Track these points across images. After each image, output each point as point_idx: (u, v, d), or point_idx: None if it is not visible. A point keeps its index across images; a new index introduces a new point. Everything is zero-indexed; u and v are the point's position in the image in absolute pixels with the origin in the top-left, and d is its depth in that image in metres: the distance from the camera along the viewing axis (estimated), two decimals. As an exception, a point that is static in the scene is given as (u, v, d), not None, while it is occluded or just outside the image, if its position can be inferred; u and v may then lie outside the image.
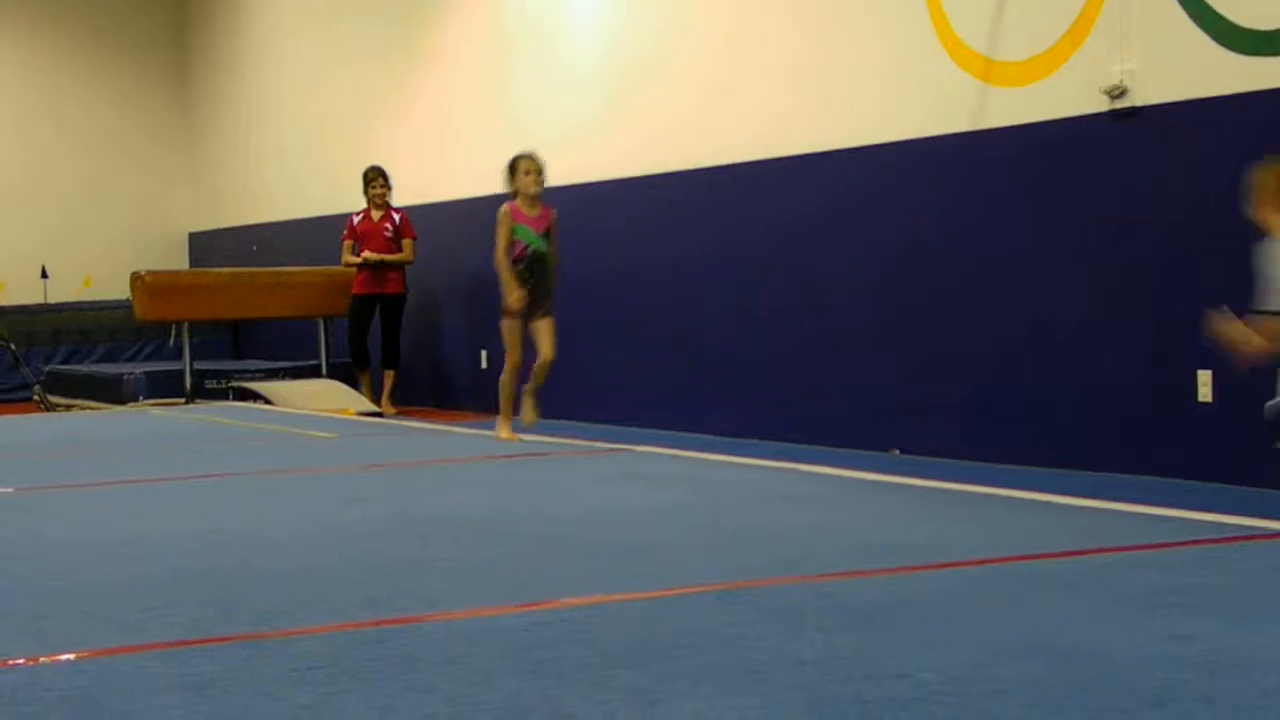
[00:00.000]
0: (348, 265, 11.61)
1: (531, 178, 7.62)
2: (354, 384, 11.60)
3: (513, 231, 7.57)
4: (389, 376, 11.55)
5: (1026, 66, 7.23)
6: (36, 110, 15.71)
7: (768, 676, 2.70)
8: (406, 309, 11.74)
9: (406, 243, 11.51)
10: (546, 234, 7.64)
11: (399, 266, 11.54)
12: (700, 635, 3.04)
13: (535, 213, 7.64)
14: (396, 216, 11.57)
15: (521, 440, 7.49)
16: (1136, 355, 6.81)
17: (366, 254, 11.47)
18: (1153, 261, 6.73)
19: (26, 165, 15.62)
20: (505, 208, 7.66)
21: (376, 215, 11.60)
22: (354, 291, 11.64)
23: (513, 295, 7.54)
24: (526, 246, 7.57)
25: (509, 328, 7.64)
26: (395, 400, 11.51)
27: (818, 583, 3.61)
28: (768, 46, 8.84)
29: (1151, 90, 6.69)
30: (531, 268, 7.60)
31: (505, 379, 7.77)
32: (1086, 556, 3.95)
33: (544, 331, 7.60)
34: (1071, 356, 7.08)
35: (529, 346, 7.68)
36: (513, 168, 7.74)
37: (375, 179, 11.60)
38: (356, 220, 11.71)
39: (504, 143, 11.27)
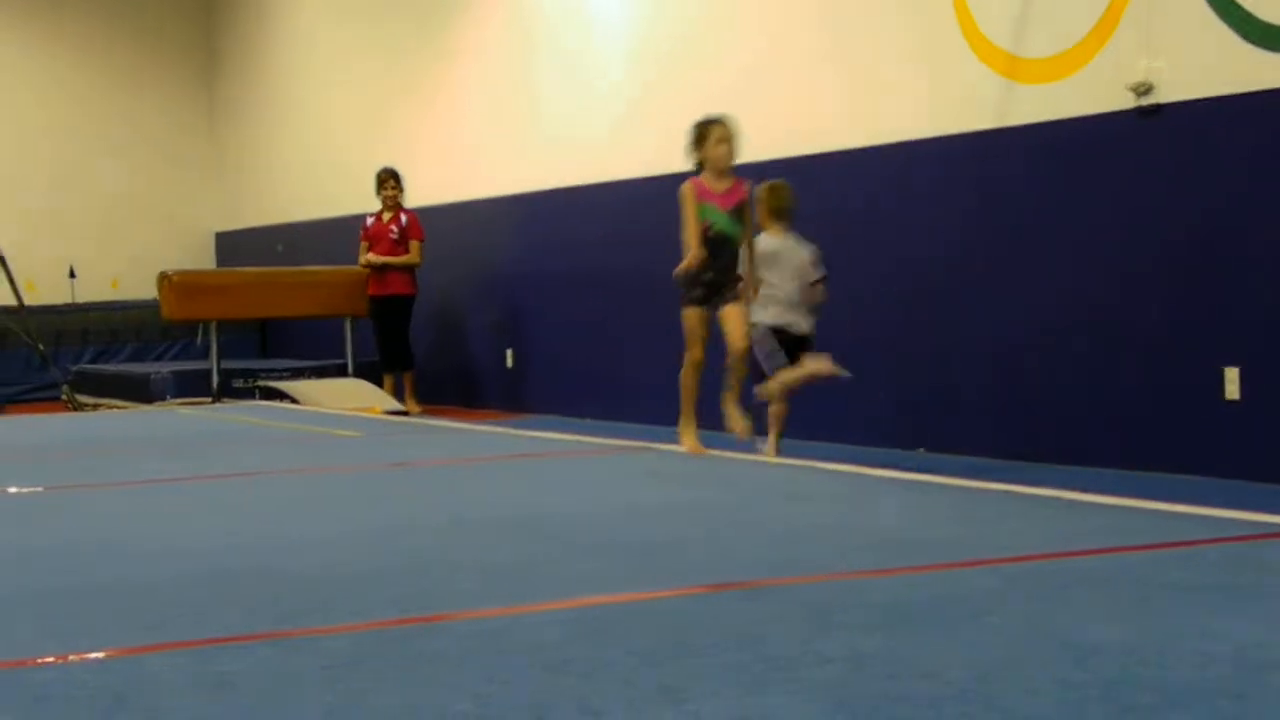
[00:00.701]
0: (361, 266, 11.73)
1: (724, 148, 6.63)
2: (380, 383, 11.64)
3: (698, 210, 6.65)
4: (406, 377, 11.59)
5: (1052, 63, 7.22)
6: (63, 112, 15.78)
7: (795, 674, 2.69)
8: (424, 309, 11.78)
9: (414, 244, 11.54)
10: (737, 212, 6.67)
11: (403, 268, 11.56)
12: (727, 633, 3.03)
13: (724, 188, 6.66)
14: (404, 218, 11.63)
15: (708, 454, 6.56)
16: (1163, 352, 6.78)
17: (370, 257, 11.57)
18: (1179, 258, 6.71)
19: (53, 166, 15.68)
20: (688, 185, 6.69)
21: (386, 217, 11.66)
22: (368, 293, 11.75)
23: (696, 258, 6.58)
24: (710, 226, 6.61)
25: (690, 317, 6.72)
26: (419, 399, 11.54)
27: (844, 581, 3.60)
28: (791, 44, 8.83)
29: (1177, 87, 6.68)
30: (715, 251, 6.64)
31: (686, 377, 6.82)
32: (1115, 554, 3.93)
33: (732, 318, 6.70)
34: (1098, 354, 7.06)
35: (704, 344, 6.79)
36: (701, 135, 6.72)
37: (386, 180, 11.66)
38: (369, 222, 11.78)
39: (525, 142, 11.29)
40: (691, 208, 6.60)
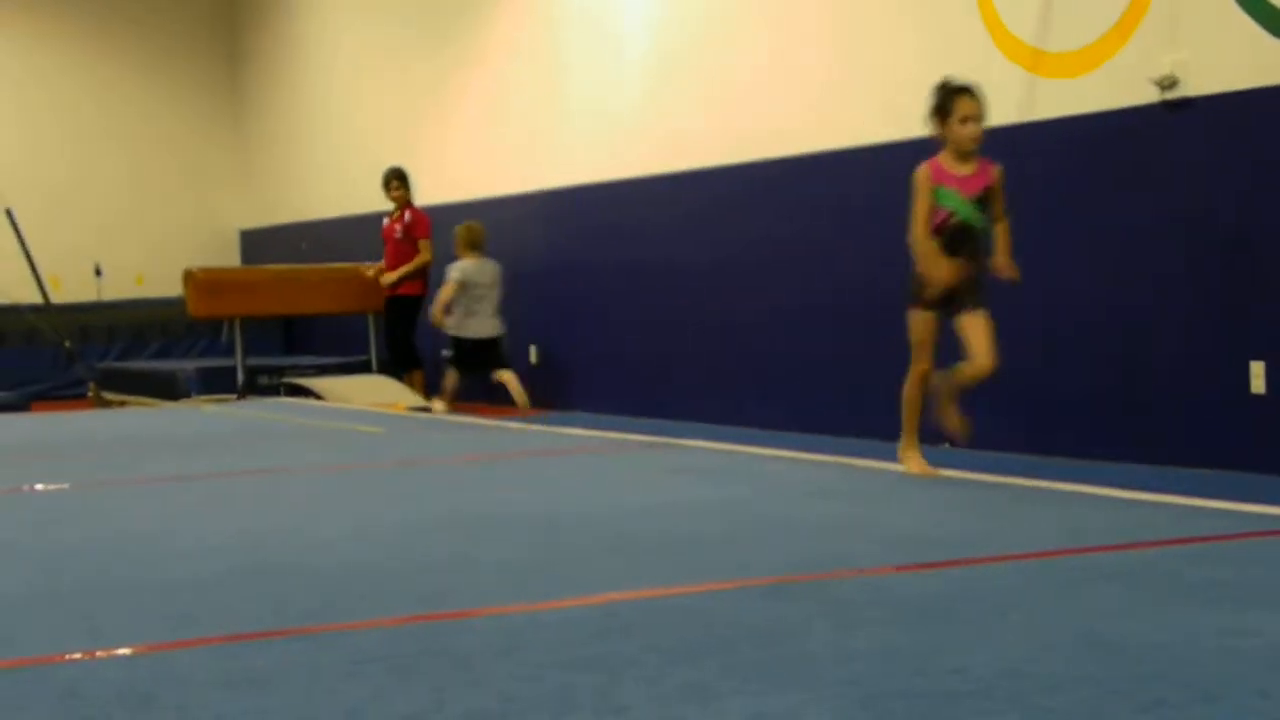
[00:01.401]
0: (370, 276, 11.74)
1: (970, 128, 5.66)
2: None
3: (934, 196, 5.68)
4: (414, 377, 11.54)
5: (1076, 57, 7.19)
6: (87, 109, 15.85)
7: (820, 671, 2.70)
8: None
9: (421, 243, 11.46)
10: (982, 199, 5.71)
11: (419, 270, 11.46)
12: (752, 630, 3.04)
13: (968, 171, 5.71)
14: (408, 215, 11.54)
15: (938, 475, 5.71)
16: (1189, 346, 6.76)
17: (383, 278, 11.50)
18: (1204, 252, 6.69)
19: (78, 163, 15.75)
20: (924, 168, 5.73)
21: (394, 217, 11.62)
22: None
23: (936, 270, 5.63)
24: (950, 215, 5.66)
25: (918, 321, 5.76)
26: (429, 396, 11.55)
27: (869, 577, 3.60)
28: (809, 39, 8.82)
29: (1203, 80, 6.65)
30: (954, 243, 5.67)
31: (910, 390, 5.86)
32: (1140, 550, 3.93)
33: (975, 330, 5.66)
34: (1123, 348, 7.05)
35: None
36: (943, 108, 5.75)
37: (389, 181, 11.59)
38: (385, 223, 11.75)
39: (551, 140, 11.30)
40: (925, 195, 5.66)
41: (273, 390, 11.91)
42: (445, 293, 10.26)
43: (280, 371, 12.25)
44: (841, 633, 2.99)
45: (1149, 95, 6.83)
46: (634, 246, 10.47)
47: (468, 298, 10.25)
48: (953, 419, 5.87)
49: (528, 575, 3.76)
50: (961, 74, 7.80)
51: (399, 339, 11.55)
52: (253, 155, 16.38)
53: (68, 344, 12.58)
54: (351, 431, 7.97)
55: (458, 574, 3.81)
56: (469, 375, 10.43)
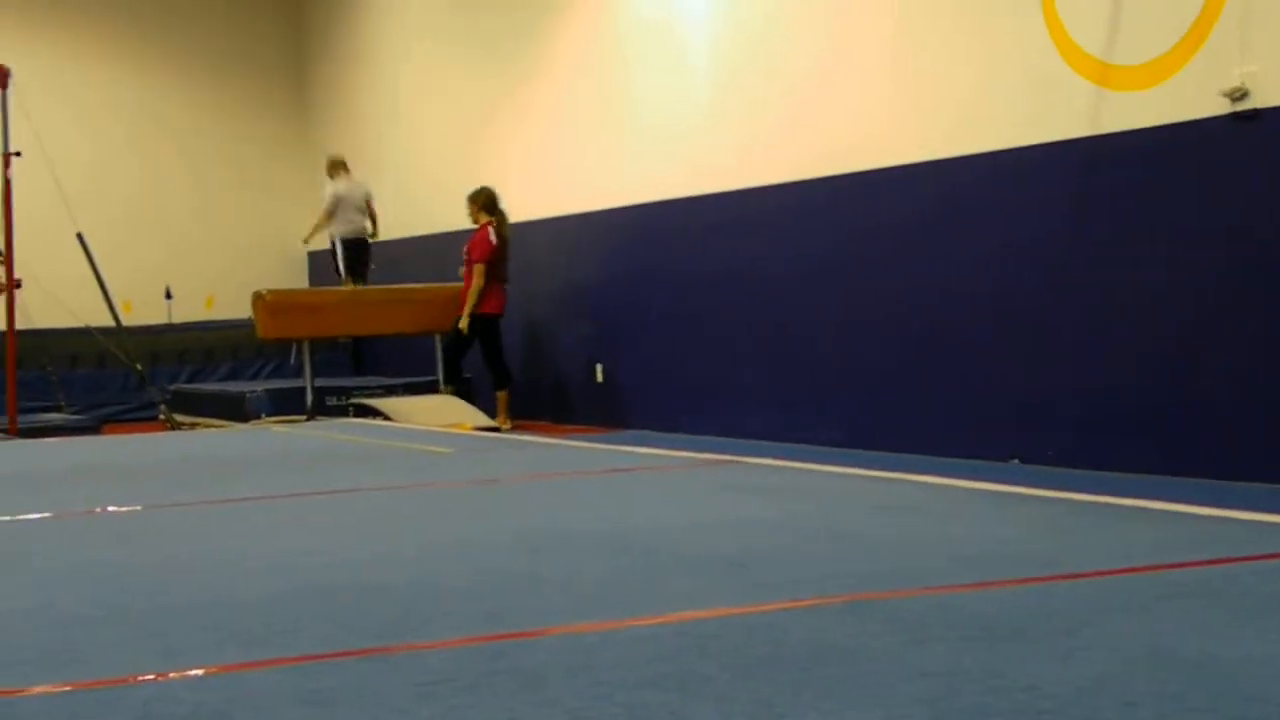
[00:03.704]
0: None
1: None
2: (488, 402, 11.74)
3: None
4: (499, 396, 11.66)
5: (1144, 70, 7.15)
6: (155, 131, 16.03)
7: (892, 689, 2.68)
8: (516, 325, 11.83)
9: (476, 268, 11.57)
10: None
11: (484, 292, 11.53)
12: (822, 648, 3.02)
13: None
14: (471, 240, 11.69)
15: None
16: (1260, 359, 6.69)
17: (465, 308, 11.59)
18: (1273, 265, 6.62)
19: (147, 186, 15.93)
20: None
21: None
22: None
23: None
24: None
25: None
26: (511, 415, 11.59)
27: (939, 594, 3.57)
28: (871, 54, 8.81)
29: (1273, 92, 6.59)
30: None
31: None
32: (1214, 566, 3.88)
33: None
34: (1192, 361, 6.98)
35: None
36: None
37: (467, 203, 11.75)
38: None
39: (617, 159, 11.32)
40: None
41: (341, 411, 11.98)
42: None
43: (348, 392, 12.32)
44: (912, 650, 2.97)
45: (1219, 108, 6.77)
46: (697, 262, 10.47)
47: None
48: None
49: (596, 593, 3.76)
50: (1031, 88, 7.77)
51: (491, 358, 11.66)
52: (320, 176, 16.51)
53: (139, 367, 12.70)
54: (419, 452, 8.00)
55: (526, 593, 3.81)
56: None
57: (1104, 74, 7.33)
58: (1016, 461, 7.73)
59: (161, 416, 12.46)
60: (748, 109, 9.86)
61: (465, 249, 11.64)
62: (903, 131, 8.56)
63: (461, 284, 11.70)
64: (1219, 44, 6.77)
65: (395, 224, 14.76)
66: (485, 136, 13.17)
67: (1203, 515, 4.79)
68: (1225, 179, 6.83)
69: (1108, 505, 5.11)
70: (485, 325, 11.57)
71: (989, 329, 8.05)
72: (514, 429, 11.13)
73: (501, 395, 11.62)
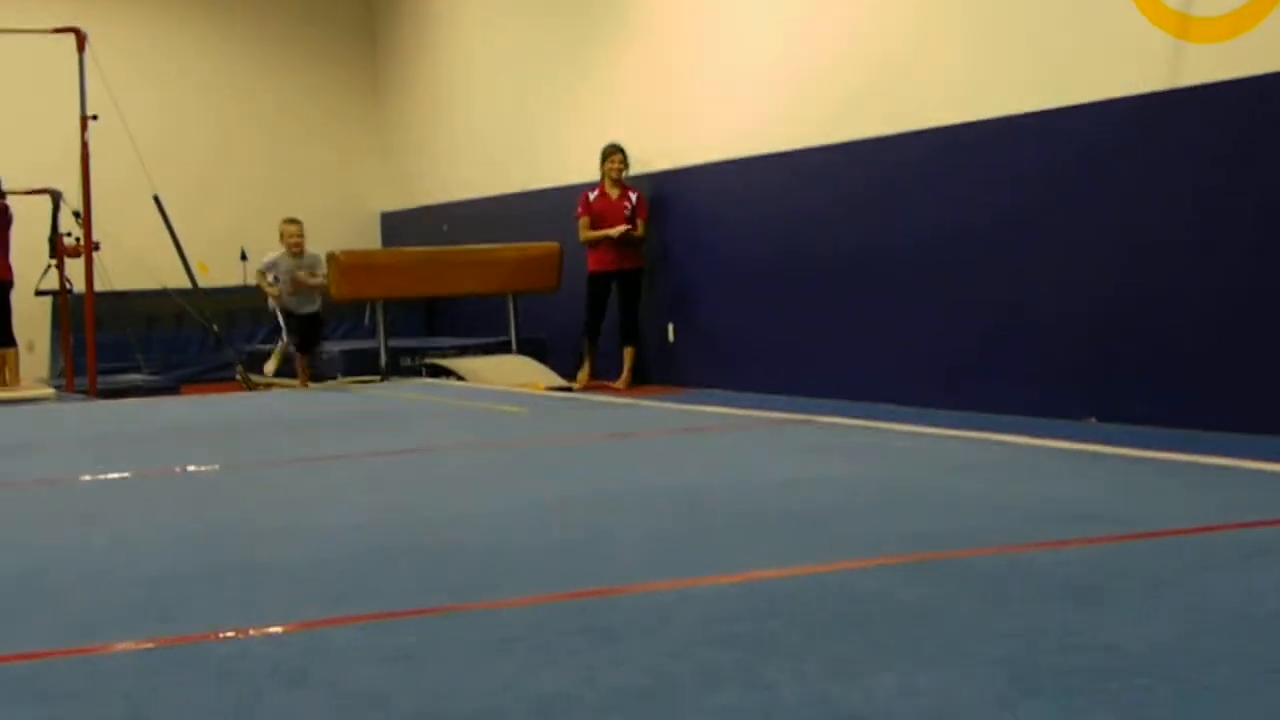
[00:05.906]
0: (587, 241, 11.66)
1: None
2: (574, 360, 11.72)
3: None
4: (629, 354, 11.63)
5: (1225, 21, 7.04)
6: (227, 93, 16.12)
7: (969, 648, 2.67)
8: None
9: (640, 223, 11.54)
10: None
11: (638, 243, 11.58)
12: (896, 606, 3.01)
13: None
14: (633, 195, 11.59)
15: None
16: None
17: (619, 228, 11.48)
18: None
19: (221, 149, 16.03)
20: None
21: (615, 193, 11.62)
22: (591, 270, 11.68)
23: None
24: None
25: None
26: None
27: (1016, 553, 3.56)
28: (957, 7, 8.73)
29: (1358, 42, 6.47)
30: None
31: None
32: (1295, 525, 3.83)
33: None
34: (1277, 318, 6.89)
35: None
36: None
37: (613, 154, 11.63)
38: (592, 197, 11.70)
39: (689, 115, 11.28)
40: None
41: (415, 371, 12.04)
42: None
43: (422, 353, 12.38)
44: (988, 609, 2.96)
45: (1301, 59, 6.66)
46: (765, 224, 10.43)
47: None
48: None
49: (671, 552, 3.77)
50: (1110, 41, 7.67)
51: (630, 314, 11.69)
52: (392, 138, 16.55)
53: (215, 328, 12.82)
54: (493, 411, 8.03)
55: (601, 552, 3.82)
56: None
57: (1184, 27, 7.22)
58: (1094, 420, 7.67)
59: (238, 377, 12.57)
60: (841, 65, 9.78)
61: (626, 204, 11.53)
62: (987, 86, 8.48)
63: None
64: (1301, -5, 6.65)
65: (470, 184, 14.79)
66: (557, 95, 13.15)
67: (1282, 473, 4.74)
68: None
69: (1188, 464, 5.06)
70: (640, 277, 11.64)
71: (1069, 283, 7.95)
72: (586, 389, 11.16)
73: (631, 351, 11.67)
